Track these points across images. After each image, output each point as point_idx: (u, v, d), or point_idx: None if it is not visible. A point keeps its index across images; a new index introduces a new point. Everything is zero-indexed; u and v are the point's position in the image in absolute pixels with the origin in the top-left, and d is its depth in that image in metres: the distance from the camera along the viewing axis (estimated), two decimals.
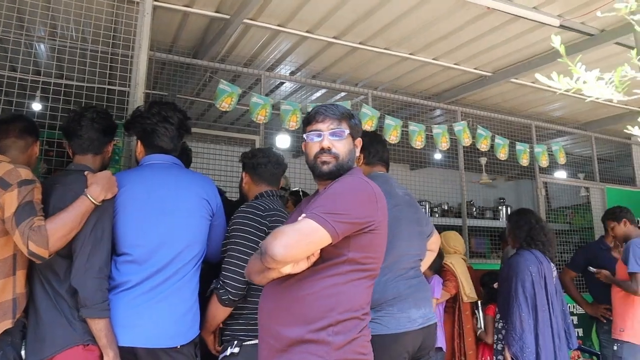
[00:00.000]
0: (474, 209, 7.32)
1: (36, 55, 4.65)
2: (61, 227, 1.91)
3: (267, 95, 4.76)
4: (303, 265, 1.64)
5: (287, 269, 1.63)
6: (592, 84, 1.00)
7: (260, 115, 4.42)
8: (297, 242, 1.59)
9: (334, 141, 1.85)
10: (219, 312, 2.23)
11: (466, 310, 3.99)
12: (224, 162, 4.71)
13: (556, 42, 1.01)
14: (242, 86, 4.69)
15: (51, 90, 2.91)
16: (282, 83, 5.39)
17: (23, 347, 1.99)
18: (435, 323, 2.52)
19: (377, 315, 2.26)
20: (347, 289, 1.68)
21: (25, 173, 1.99)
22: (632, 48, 3.84)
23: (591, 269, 4.37)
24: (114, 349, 1.97)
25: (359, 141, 1.97)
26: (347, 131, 1.88)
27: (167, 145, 2.30)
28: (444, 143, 5.08)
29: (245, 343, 2.21)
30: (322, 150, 1.84)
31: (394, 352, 2.25)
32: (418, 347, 2.35)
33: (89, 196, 1.99)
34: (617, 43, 4.22)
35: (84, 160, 2.23)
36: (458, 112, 5.44)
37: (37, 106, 4.42)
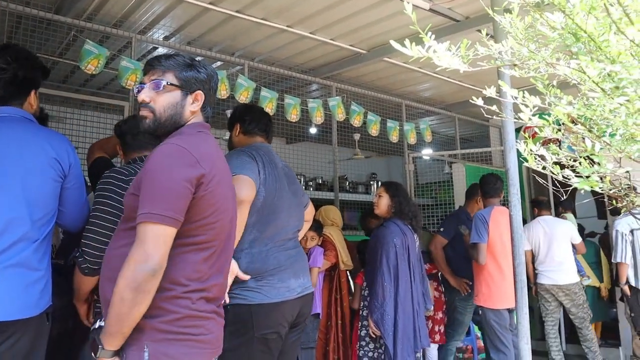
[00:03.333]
0: (347, 184, 7.56)
1: None
2: None
3: (138, 60, 4.52)
4: None
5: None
6: (442, 54, 1.05)
7: (131, 81, 4.20)
8: (157, 249, 1.50)
9: (152, 94, 1.69)
10: (82, 281, 2.13)
11: (342, 277, 4.26)
12: (91, 128, 4.42)
13: (408, 9, 1.04)
14: (111, 49, 4.41)
15: None
16: (155, 48, 5.14)
17: None
18: (313, 292, 2.59)
19: (258, 284, 2.28)
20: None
21: None
22: (492, 36, 4.16)
23: (463, 229, 4.71)
24: None
25: (198, 94, 1.76)
26: (166, 81, 1.69)
27: (8, 94, 2.07)
28: (318, 117, 5.17)
29: None
30: (140, 104, 1.70)
31: (273, 320, 2.28)
32: (296, 314, 2.39)
33: None
34: (478, 30, 4.53)
35: None
36: (333, 87, 5.55)
37: None
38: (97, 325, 2.13)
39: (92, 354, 1.57)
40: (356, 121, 5.41)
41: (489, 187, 4.37)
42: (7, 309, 1.87)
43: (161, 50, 5.23)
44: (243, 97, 4.65)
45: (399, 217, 3.70)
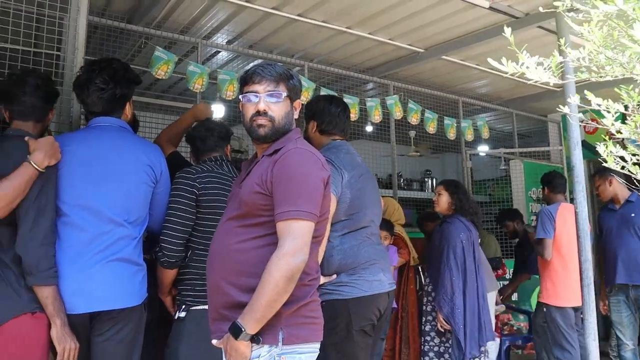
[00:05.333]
0: (402, 180, 7.60)
1: None
2: (4, 194, 1.88)
3: (203, 63, 4.71)
4: None
5: None
6: (533, 69, 1.13)
7: (197, 84, 4.38)
8: (305, 244, 1.68)
9: (270, 103, 1.82)
10: (163, 274, 2.33)
11: (410, 272, 4.34)
12: (157, 130, 4.64)
13: (507, 32, 1.12)
14: (177, 54, 4.61)
15: None
16: (217, 52, 5.34)
17: None
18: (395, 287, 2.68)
19: (351, 279, 2.36)
20: None
21: None
22: (553, 32, 4.13)
23: (527, 226, 4.70)
24: (62, 317, 1.97)
25: (298, 103, 1.94)
26: (285, 93, 1.84)
27: (93, 108, 2.26)
28: (376, 116, 5.24)
29: (193, 308, 2.28)
30: (258, 113, 1.81)
31: (369, 313, 2.37)
32: (385, 308, 2.48)
33: (32, 163, 1.96)
34: (540, 27, 4.50)
35: (25, 126, 2.17)
36: (390, 86, 5.60)
37: None
38: (176, 317, 2.32)
39: (213, 341, 1.73)
40: (414, 119, 5.45)
41: (555, 183, 4.35)
42: (116, 298, 2.08)
43: (224, 54, 5.42)
44: (304, 97, 4.77)
45: (460, 214, 3.75)
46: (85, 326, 2.09)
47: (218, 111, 5.15)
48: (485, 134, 6.12)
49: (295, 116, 1.94)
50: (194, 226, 2.31)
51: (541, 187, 4.65)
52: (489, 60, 1.21)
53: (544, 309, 4.13)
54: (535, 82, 1.30)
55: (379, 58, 5.54)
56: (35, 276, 1.94)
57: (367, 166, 2.69)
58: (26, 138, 2.05)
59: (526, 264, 4.98)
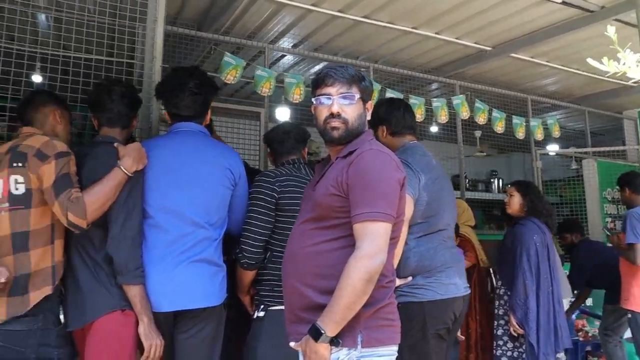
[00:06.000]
0: (467, 181, 7.46)
1: (36, 25, 4.61)
2: (98, 198, 1.99)
3: (269, 67, 4.79)
4: None
5: None
6: (634, 67, 1.09)
7: (265, 88, 4.46)
8: (384, 245, 1.67)
9: (343, 105, 1.81)
10: (243, 275, 2.39)
11: (481, 275, 4.25)
12: (226, 134, 4.76)
13: (610, 31, 1.09)
14: (244, 58, 4.71)
15: (60, 62, 2.92)
16: (283, 55, 5.42)
17: (60, 312, 2.07)
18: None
19: (427, 281, 2.35)
20: None
21: (61, 145, 2.05)
22: (633, 25, 3.95)
23: (606, 230, 4.51)
24: (148, 314, 2.07)
25: (370, 104, 1.93)
26: (358, 95, 1.83)
27: (185, 112, 2.34)
28: (443, 116, 5.17)
29: (271, 308, 2.32)
30: (332, 115, 1.81)
31: (445, 316, 2.35)
32: (460, 312, 2.45)
33: (122, 168, 2.06)
34: (616, 19, 4.31)
35: (112, 133, 2.28)
36: (456, 85, 5.51)
37: (37, 78, 4.42)
38: (255, 316, 2.38)
39: (290, 343, 1.75)
40: (481, 119, 5.34)
41: (637, 183, 4.15)
42: (198, 297, 2.16)
43: (290, 58, 5.50)
44: None
45: (534, 216, 3.64)
46: (169, 324, 2.17)
47: (284, 114, 5.22)
48: (556, 132, 5.92)
49: (368, 117, 1.93)
50: (273, 229, 2.36)
51: (619, 188, 4.43)
52: (589, 60, 1.17)
53: (629, 315, 3.97)
54: (611, 78, 1.26)
55: (445, 57, 5.48)
56: (124, 275, 2.04)
57: (443, 168, 2.66)
58: (115, 144, 2.16)
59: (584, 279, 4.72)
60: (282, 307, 2.13)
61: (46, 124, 2.22)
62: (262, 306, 2.35)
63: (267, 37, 4.98)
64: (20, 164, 1.99)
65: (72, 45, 3.03)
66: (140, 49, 3.54)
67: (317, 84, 1.87)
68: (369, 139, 1.86)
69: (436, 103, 5.17)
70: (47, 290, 1.97)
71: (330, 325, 1.64)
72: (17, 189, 1.98)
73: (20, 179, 1.99)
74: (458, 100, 5.28)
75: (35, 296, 1.94)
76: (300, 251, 1.82)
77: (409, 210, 2.26)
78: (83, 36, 3.01)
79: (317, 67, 5.68)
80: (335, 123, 1.82)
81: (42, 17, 4.53)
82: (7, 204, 1.98)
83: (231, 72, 4.39)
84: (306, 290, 1.75)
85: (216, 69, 4.39)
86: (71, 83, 2.90)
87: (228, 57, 4.36)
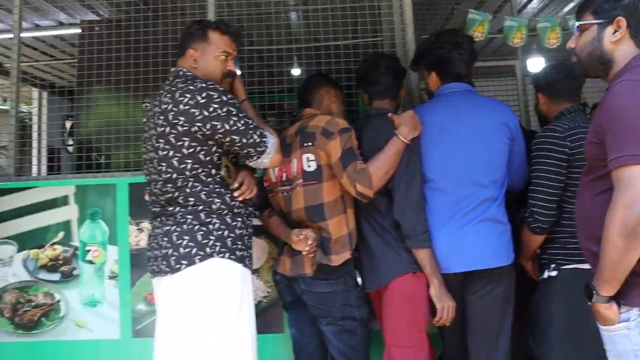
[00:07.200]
0: None
1: (289, 25, 5.04)
2: (381, 167, 2.08)
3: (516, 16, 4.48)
4: None
5: None
6: None
7: (516, 39, 4.17)
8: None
9: (575, 39, 1.69)
10: (532, 239, 2.24)
11: None
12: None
13: None
14: (488, 11, 4.48)
15: (323, 55, 3.14)
16: (529, 1, 5.02)
17: (357, 275, 2.23)
18: None
19: None
20: None
21: (342, 122, 2.20)
22: None
23: None
24: (438, 276, 2.11)
25: (619, 21, 1.58)
26: (578, 23, 1.67)
27: (463, 71, 2.32)
28: None
29: (563, 267, 2.17)
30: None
31: None
32: None
33: (400, 136, 2.12)
34: None
35: (383, 104, 2.38)
36: None
37: (296, 71, 4.86)
38: (545, 275, 2.23)
39: (587, 299, 1.61)
40: None
41: None
42: (488, 257, 2.13)
43: (536, 3, 5.07)
44: None
45: None
46: (459, 285, 2.18)
47: (537, 64, 4.84)
48: None
49: (614, 38, 1.59)
50: (564, 187, 2.18)
51: None
52: None
53: None
54: None
55: None
56: (412, 239, 2.11)
57: None
58: (389, 115, 2.24)
59: None
60: (575, 266, 2.09)
61: (322, 104, 2.41)
62: (552, 265, 2.20)
63: None
64: (309, 143, 2.19)
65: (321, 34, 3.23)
66: (387, 21, 3.63)
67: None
68: (635, 64, 1.56)
69: None
70: (346, 255, 2.14)
71: (601, 284, 1.49)
72: (309, 166, 2.19)
73: (311, 156, 2.18)
74: None
75: (337, 259, 2.12)
76: (580, 204, 1.69)
77: None
78: (329, 26, 3.19)
79: (568, 8, 5.14)
80: (572, 59, 1.72)
81: (293, 15, 4.95)
82: (301, 180, 2.20)
83: (478, 29, 4.19)
84: (591, 246, 1.60)
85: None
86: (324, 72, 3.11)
87: (473, 14, 4.18)
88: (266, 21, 3.44)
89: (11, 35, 3.20)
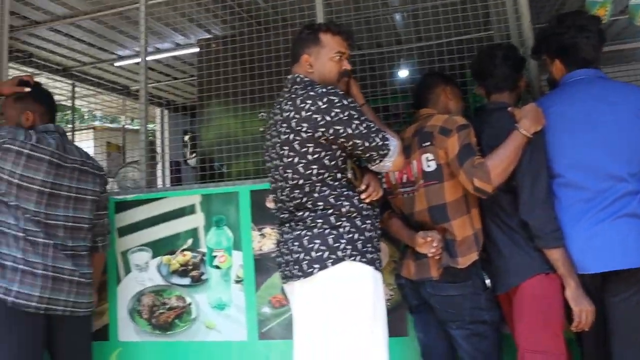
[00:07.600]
0: None
1: (394, 27, 5.00)
2: (500, 162, 1.98)
3: None
4: None
5: None
6: None
7: None
8: None
9: None
10: None
11: None
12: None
13: None
14: None
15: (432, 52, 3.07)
16: None
17: (486, 277, 2.14)
18: None
19: None
20: None
21: (460, 119, 2.13)
22: None
23: None
24: (574, 277, 1.96)
25: None
26: None
27: (590, 56, 2.14)
28: None
29: None
30: None
31: None
32: None
33: (521, 130, 2.01)
34: None
35: (501, 97, 2.28)
36: None
37: (403, 73, 4.80)
38: None
39: None
40: None
41: None
42: (629, 256, 1.93)
43: None
44: None
45: None
46: (597, 286, 2.02)
47: None
48: None
49: None
50: None
51: None
52: None
53: None
54: None
55: None
56: (542, 239, 1.98)
57: None
58: (509, 108, 2.13)
59: None
60: None
61: (439, 102, 2.35)
62: None
63: None
64: (428, 143, 2.15)
65: (427, 32, 3.16)
66: (496, 13, 3.49)
67: None
68: None
69: None
70: (474, 256, 2.07)
71: None
72: (429, 166, 2.15)
73: (430, 156, 2.14)
74: None
75: (464, 261, 2.05)
76: None
77: None
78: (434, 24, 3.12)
79: None
80: None
81: (397, 16, 4.90)
82: (422, 181, 2.16)
83: (599, 11, 3.92)
84: None
85: None
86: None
87: None
88: (374, 23, 3.44)
89: (138, 60, 3.45)
